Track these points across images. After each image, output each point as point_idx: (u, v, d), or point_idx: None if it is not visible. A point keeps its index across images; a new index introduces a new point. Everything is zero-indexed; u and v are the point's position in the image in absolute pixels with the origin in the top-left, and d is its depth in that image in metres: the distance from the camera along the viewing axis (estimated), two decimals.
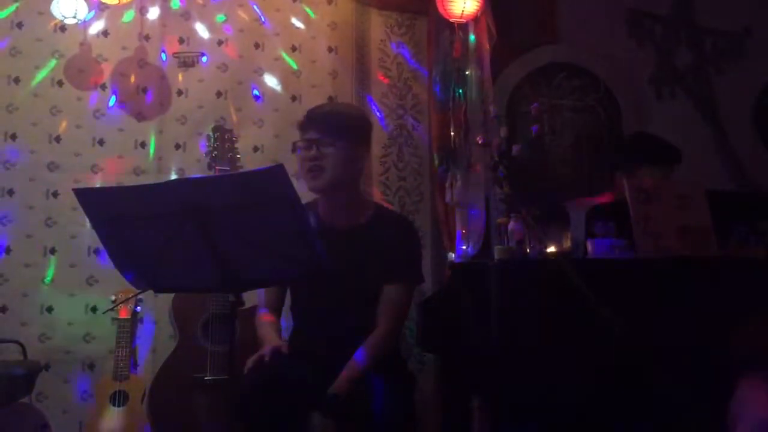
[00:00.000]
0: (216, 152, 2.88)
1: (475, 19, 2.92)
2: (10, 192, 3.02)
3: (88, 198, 1.69)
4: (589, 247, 2.27)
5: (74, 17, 2.98)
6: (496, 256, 2.25)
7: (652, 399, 2.14)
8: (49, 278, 3.00)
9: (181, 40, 3.25)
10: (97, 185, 3.02)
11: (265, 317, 2.33)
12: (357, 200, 2.36)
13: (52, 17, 3.03)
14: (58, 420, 2.90)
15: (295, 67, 3.35)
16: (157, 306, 3.02)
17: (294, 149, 2.36)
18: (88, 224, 2.13)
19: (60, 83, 3.11)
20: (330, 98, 3.32)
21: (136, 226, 1.66)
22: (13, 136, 3.04)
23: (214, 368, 2.68)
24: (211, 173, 2.85)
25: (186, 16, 3.27)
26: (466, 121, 2.88)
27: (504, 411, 2.22)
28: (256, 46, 3.33)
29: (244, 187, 1.63)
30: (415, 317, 2.69)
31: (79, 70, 3.14)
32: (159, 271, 1.75)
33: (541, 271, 2.18)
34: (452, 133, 2.89)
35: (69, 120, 3.10)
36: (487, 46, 2.97)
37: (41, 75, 3.10)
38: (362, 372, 2.10)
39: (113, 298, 2.86)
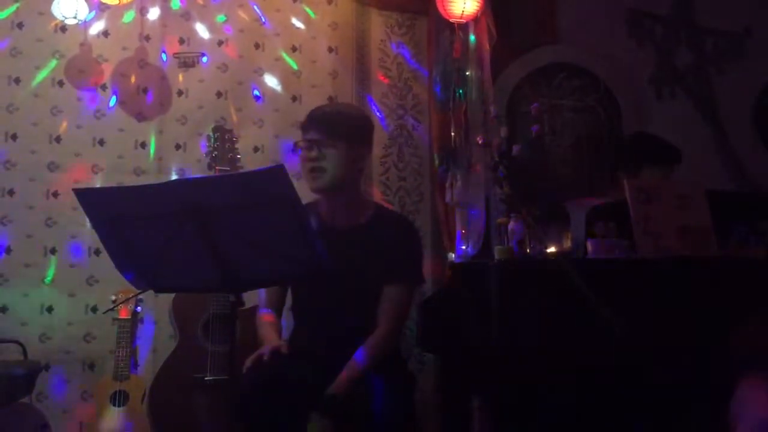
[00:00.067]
0: (216, 152, 2.88)
1: (475, 19, 2.93)
2: (11, 192, 3.02)
3: (88, 198, 1.69)
4: (589, 247, 2.27)
5: (75, 17, 2.98)
6: (496, 256, 2.25)
7: (652, 399, 2.14)
8: (49, 278, 3.00)
9: (181, 41, 3.25)
10: (98, 185, 3.02)
11: (265, 317, 2.33)
12: (358, 200, 2.36)
13: (53, 17, 3.03)
14: (58, 420, 2.90)
15: (295, 67, 3.35)
16: (157, 306, 3.02)
17: (295, 149, 2.36)
18: (88, 224, 2.12)
19: (60, 83, 3.11)
20: (330, 98, 3.32)
21: (137, 226, 1.66)
22: (14, 136, 3.04)
23: (215, 368, 2.68)
24: (212, 173, 2.85)
25: (186, 16, 3.27)
26: (467, 121, 2.88)
27: (504, 411, 2.23)
28: (257, 46, 3.33)
29: (245, 187, 1.63)
30: (415, 317, 2.69)
31: (80, 70, 3.14)
32: (159, 271, 1.75)
33: (541, 271, 2.18)
34: (452, 134, 2.90)
35: (69, 120, 3.10)
36: (488, 47, 2.98)
37: (42, 75, 3.09)
38: (362, 372, 2.09)
39: (113, 298, 2.85)
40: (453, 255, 2.86)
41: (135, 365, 2.96)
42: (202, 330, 2.78)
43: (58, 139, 3.08)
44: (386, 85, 3.45)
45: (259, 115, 3.28)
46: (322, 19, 3.40)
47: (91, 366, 3.00)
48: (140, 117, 3.17)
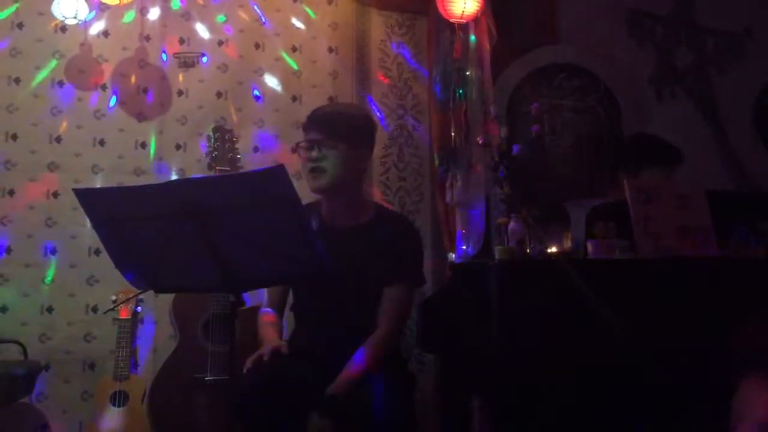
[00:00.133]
0: (216, 152, 2.88)
1: (476, 19, 2.92)
2: (11, 192, 3.02)
3: (88, 198, 1.70)
4: (590, 247, 2.27)
5: (75, 18, 2.98)
6: (497, 257, 2.25)
7: (652, 399, 2.14)
8: (49, 278, 3.00)
9: (181, 41, 3.25)
10: (98, 185, 3.02)
11: (266, 317, 2.33)
12: (358, 201, 2.36)
13: (53, 18, 3.03)
14: (58, 420, 2.90)
15: (295, 67, 3.35)
16: (157, 306, 3.02)
17: (296, 150, 2.36)
18: (88, 224, 2.13)
19: (60, 83, 3.11)
20: (330, 98, 3.32)
21: (137, 226, 1.67)
22: (14, 136, 3.04)
23: (215, 368, 2.68)
24: (212, 173, 2.85)
25: (186, 16, 3.27)
26: (467, 121, 2.88)
27: (504, 411, 2.23)
28: (257, 46, 3.33)
29: (245, 188, 1.63)
30: (416, 317, 2.69)
31: (80, 70, 3.14)
32: (159, 271, 1.75)
33: (541, 271, 2.18)
34: (453, 134, 2.89)
35: (69, 120, 3.10)
36: (488, 47, 2.98)
37: (42, 75, 3.10)
38: (362, 373, 2.09)
39: (113, 298, 2.85)
40: (453, 255, 2.86)
41: (135, 365, 2.97)
42: (202, 330, 2.78)
43: (58, 139, 3.08)
44: (386, 85, 3.45)
45: (259, 115, 3.28)
46: (322, 19, 3.40)
47: (91, 366, 3.00)
48: (140, 117, 3.17)
